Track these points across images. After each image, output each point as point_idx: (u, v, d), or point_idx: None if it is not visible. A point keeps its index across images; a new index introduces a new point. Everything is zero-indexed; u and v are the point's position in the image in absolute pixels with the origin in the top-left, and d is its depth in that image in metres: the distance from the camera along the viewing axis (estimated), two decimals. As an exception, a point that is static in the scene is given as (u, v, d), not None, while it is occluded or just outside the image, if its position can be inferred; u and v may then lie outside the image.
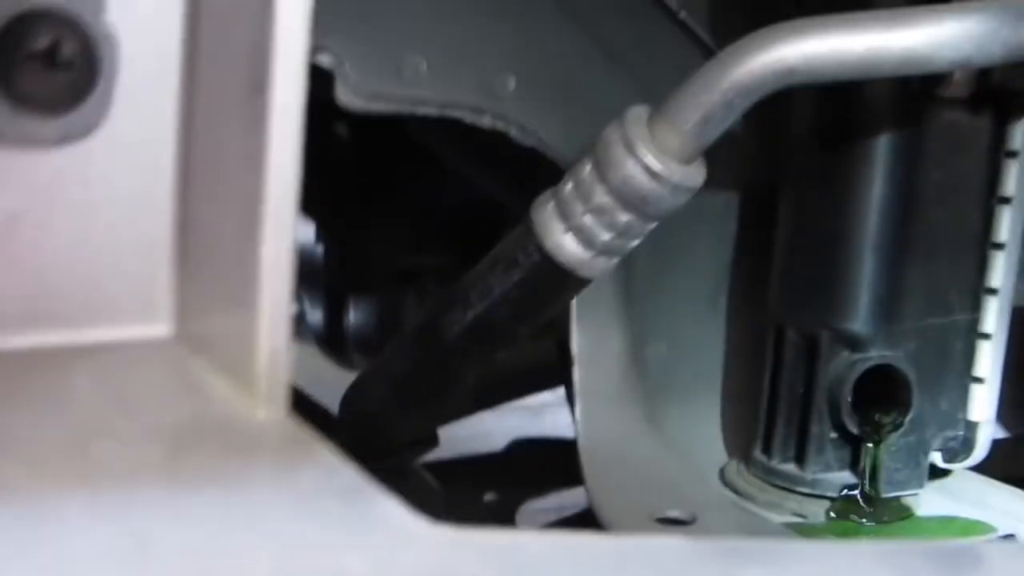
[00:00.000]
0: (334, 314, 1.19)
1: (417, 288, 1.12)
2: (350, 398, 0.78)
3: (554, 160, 0.70)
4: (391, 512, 0.29)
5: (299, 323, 1.29)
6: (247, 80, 0.32)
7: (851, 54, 0.57)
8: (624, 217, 0.59)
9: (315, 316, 1.23)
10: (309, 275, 1.22)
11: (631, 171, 0.58)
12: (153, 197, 0.37)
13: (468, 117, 0.68)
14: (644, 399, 0.74)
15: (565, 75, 0.70)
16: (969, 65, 0.58)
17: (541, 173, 0.70)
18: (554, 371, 0.78)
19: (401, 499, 0.29)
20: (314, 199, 1.19)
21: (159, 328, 0.38)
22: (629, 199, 0.58)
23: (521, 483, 1.11)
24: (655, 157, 0.58)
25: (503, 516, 1.10)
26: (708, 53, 0.69)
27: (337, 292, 1.18)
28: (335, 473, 0.30)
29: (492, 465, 1.16)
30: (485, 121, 0.69)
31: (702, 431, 0.79)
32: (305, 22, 0.31)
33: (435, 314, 0.67)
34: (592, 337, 0.72)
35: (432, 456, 1.07)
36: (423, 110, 0.67)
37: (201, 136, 0.36)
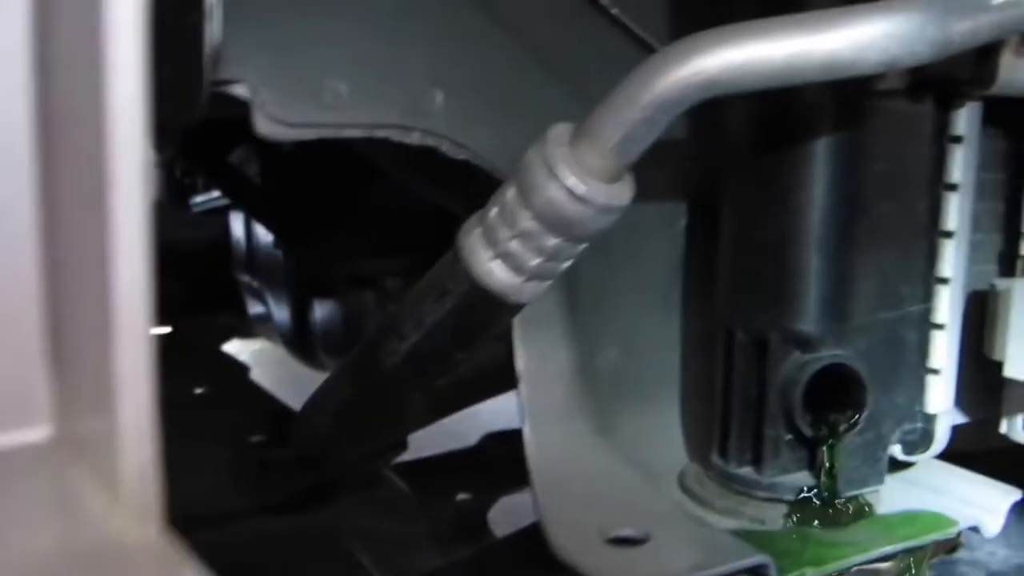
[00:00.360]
0: (299, 316, 1.18)
1: (378, 289, 1.11)
2: (300, 424, 0.77)
3: (489, 173, 0.68)
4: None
5: (266, 324, 1.28)
6: (90, 184, 0.31)
7: (772, 62, 0.55)
8: (551, 241, 0.57)
9: (281, 316, 1.22)
10: (274, 276, 1.21)
11: (554, 194, 0.56)
12: (19, 293, 0.35)
13: (395, 136, 0.67)
14: (595, 411, 0.72)
15: (496, 86, 0.68)
16: (898, 66, 0.56)
17: (483, 179, 0.68)
18: (510, 375, 0.76)
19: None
20: (267, 207, 1.18)
21: (38, 431, 0.36)
22: (555, 223, 0.56)
23: (494, 481, 1.10)
24: (578, 179, 0.55)
25: (476, 516, 1.09)
26: (650, 51, 0.67)
27: (300, 295, 1.17)
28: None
29: (464, 463, 1.15)
30: (414, 138, 0.67)
31: (660, 434, 0.78)
32: (142, 130, 0.29)
33: (371, 345, 0.66)
34: (537, 354, 0.70)
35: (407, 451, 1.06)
36: (348, 133, 0.65)
37: (62, 233, 0.34)
